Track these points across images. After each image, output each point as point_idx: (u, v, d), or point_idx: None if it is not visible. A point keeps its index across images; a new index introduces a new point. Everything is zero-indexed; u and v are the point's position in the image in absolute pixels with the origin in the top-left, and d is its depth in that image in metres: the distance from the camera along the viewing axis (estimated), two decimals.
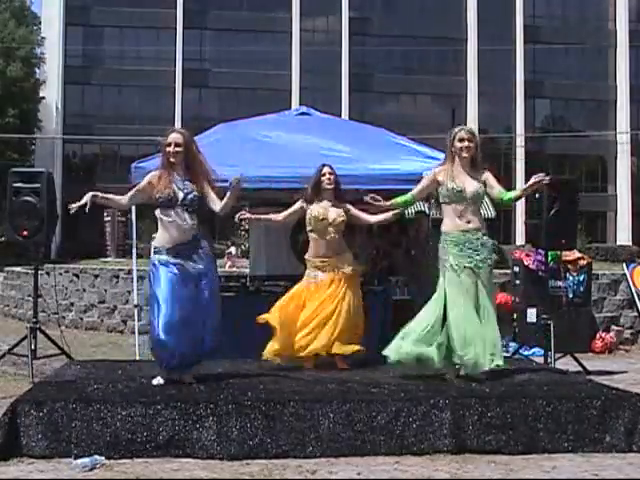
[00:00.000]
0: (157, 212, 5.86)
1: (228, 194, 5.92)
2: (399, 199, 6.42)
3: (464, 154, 6.12)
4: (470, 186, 6.10)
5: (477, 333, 5.93)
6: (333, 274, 6.63)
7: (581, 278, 11.15)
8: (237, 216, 6.64)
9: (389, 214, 6.56)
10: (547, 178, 6.02)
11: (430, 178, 6.30)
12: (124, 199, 6.08)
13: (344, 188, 7.14)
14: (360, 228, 8.86)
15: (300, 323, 6.56)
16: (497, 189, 6.19)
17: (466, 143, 6.11)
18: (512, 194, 6.31)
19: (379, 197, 6.30)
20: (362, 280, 8.29)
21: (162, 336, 5.63)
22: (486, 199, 6.53)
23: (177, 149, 5.84)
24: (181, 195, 5.80)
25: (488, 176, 6.21)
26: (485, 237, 6.16)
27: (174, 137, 5.89)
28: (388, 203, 6.41)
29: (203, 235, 5.97)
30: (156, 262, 5.80)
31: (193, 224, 5.85)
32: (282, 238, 8.92)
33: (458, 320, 5.95)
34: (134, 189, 6.03)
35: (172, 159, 5.85)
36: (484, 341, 5.92)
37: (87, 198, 5.84)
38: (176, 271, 5.75)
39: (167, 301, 5.68)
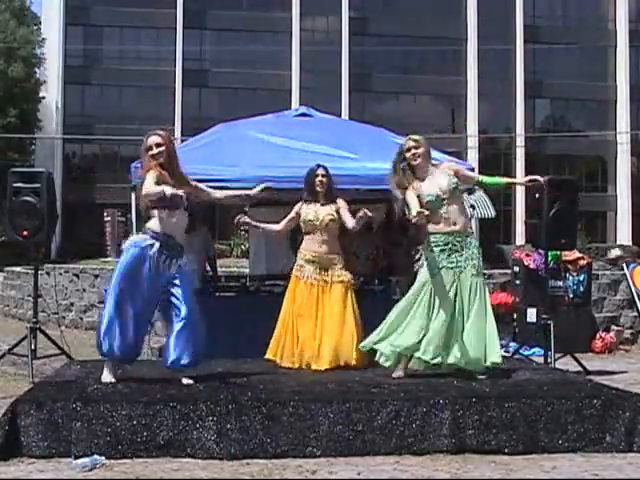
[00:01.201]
0: (161, 211, 5.75)
1: (244, 192, 6.01)
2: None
3: (416, 161, 6.13)
4: (442, 185, 6.10)
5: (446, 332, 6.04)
6: (320, 276, 6.64)
7: (581, 278, 11.14)
8: (236, 219, 6.64)
9: (359, 220, 6.54)
10: (541, 179, 6.34)
11: (412, 195, 6.08)
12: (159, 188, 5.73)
13: (344, 188, 7.15)
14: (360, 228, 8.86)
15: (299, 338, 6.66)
16: (471, 175, 6.50)
17: (412, 151, 6.14)
18: (494, 179, 6.54)
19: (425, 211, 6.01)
20: (362, 280, 8.32)
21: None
22: (487, 199, 6.57)
23: (160, 149, 5.75)
24: (185, 196, 5.77)
25: (455, 168, 6.31)
26: (469, 238, 6.17)
27: (153, 139, 5.79)
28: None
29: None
30: (146, 247, 5.72)
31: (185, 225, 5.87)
32: (282, 237, 8.91)
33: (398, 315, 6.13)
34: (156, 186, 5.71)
35: (156, 161, 5.74)
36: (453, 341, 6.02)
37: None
38: (154, 264, 5.70)
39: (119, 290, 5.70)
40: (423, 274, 6.14)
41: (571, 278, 11.01)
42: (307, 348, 6.60)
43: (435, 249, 6.11)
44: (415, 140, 6.20)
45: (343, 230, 6.81)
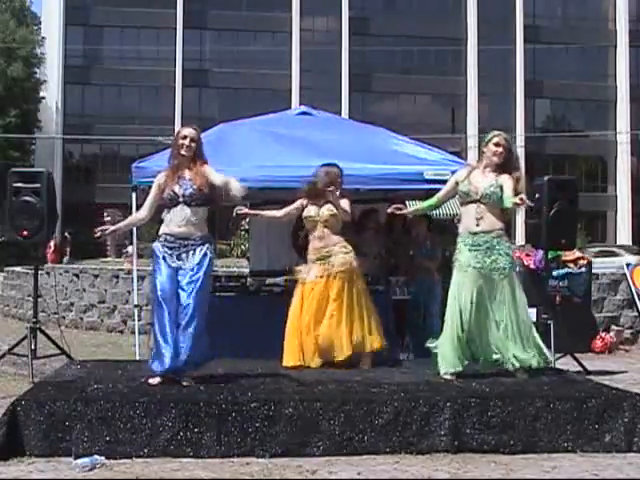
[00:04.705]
0: (164, 212, 5.92)
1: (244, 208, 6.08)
2: (425, 204, 6.43)
3: (495, 159, 6.12)
4: (481, 186, 6.10)
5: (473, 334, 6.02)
6: (325, 269, 6.63)
7: (581, 278, 11.12)
8: (235, 210, 6.63)
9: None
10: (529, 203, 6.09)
11: (452, 181, 6.34)
12: (142, 213, 6.04)
13: (344, 188, 7.15)
14: (366, 226, 8.87)
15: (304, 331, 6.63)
16: (508, 196, 6.07)
17: (500, 149, 6.13)
18: (506, 204, 6.30)
19: (401, 206, 6.27)
20: (367, 280, 8.31)
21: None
22: None
23: (192, 144, 5.88)
24: (180, 191, 5.82)
25: (505, 180, 6.11)
26: (496, 240, 6.10)
27: (190, 131, 5.93)
28: (412, 209, 6.44)
29: (210, 238, 5.95)
30: (155, 254, 5.84)
31: (195, 219, 5.83)
32: (284, 233, 8.91)
33: (456, 322, 6.06)
34: (149, 197, 6.01)
35: (184, 152, 5.87)
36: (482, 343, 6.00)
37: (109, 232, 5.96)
38: (166, 266, 5.77)
39: (160, 301, 5.75)
40: (456, 275, 6.13)
41: (568, 275, 10.98)
42: (326, 343, 6.58)
43: (463, 247, 6.12)
44: (506, 140, 6.21)
45: (346, 227, 6.82)
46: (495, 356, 6.07)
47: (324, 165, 6.88)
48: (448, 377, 5.98)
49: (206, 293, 5.85)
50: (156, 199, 5.96)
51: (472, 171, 6.23)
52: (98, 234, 6.00)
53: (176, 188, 5.82)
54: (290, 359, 6.57)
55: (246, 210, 6.82)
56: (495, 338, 6.04)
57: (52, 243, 26.18)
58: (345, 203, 6.74)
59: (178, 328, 5.70)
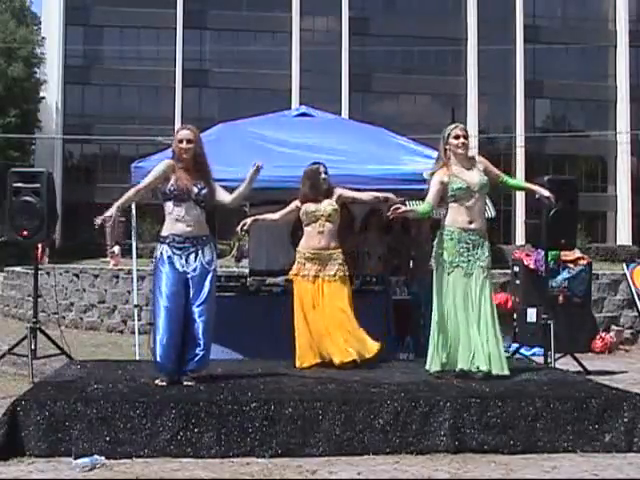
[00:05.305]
0: (168, 205, 5.84)
1: (244, 184, 6.01)
2: (420, 210, 6.42)
3: (460, 150, 6.16)
4: (475, 178, 6.14)
5: (457, 335, 6.02)
6: (319, 270, 6.64)
7: (581, 278, 11.12)
8: (239, 227, 6.69)
9: (380, 194, 6.65)
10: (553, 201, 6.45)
11: (437, 182, 6.18)
12: (140, 188, 5.93)
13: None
14: (370, 226, 8.87)
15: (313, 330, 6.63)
16: (498, 173, 6.34)
17: (462, 140, 6.17)
18: (516, 181, 6.38)
19: (399, 205, 6.24)
20: (367, 280, 8.31)
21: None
22: (487, 199, 6.54)
23: (189, 145, 5.87)
24: (195, 190, 5.82)
25: (486, 164, 6.29)
26: (482, 239, 6.17)
27: (185, 134, 5.92)
28: (408, 209, 6.44)
29: (211, 238, 5.96)
30: (161, 255, 5.82)
31: (203, 219, 5.88)
32: (283, 234, 8.92)
33: (441, 322, 6.08)
34: (150, 177, 5.92)
35: (185, 155, 5.86)
36: (467, 344, 5.99)
37: (110, 213, 5.80)
38: (173, 268, 5.76)
39: (166, 302, 5.74)
40: (439, 273, 6.14)
41: (566, 273, 10.98)
42: (323, 342, 6.57)
43: (449, 243, 6.10)
44: (464, 130, 6.27)
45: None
46: (473, 364, 6.00)
47: (308, 166, 6.93)
48: (436, 374, 6.02)
49: (214, 291, 5.88)
50: (156, 183, 5.88)
51: (448, 170, 6.17)
52: (99, 221, 5.79)
53: (190, 185, 5.81)
54: (305, 359, 6.58)
55: (248, 222, 6.82)
56: (472, 343, 6.00)
57: (117, 249, 26.53)
58: (346, 191, 6.78)
59: (188, 328, 5.72)
